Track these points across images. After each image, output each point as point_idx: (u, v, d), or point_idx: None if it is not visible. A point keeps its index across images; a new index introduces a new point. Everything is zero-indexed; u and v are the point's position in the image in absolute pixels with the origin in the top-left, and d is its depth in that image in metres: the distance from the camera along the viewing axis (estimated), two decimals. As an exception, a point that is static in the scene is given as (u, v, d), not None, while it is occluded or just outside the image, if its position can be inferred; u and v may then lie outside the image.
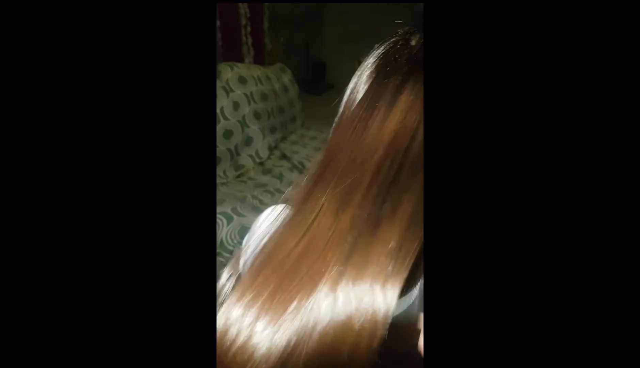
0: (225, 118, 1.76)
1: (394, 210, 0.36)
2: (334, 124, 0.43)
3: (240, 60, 2.32)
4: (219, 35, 2.22)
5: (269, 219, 0.52)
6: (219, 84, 1.78)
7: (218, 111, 1.74)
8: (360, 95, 0.40)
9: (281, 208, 0.51)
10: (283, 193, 1.84)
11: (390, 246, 0.35)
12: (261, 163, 1.93)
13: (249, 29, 2.37)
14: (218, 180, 1.77)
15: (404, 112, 0.36)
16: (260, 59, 2.51)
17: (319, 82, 3.54)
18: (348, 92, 0.43)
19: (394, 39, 0.42)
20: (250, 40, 2.40)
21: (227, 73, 1.83)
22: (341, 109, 0.43)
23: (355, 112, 0.40)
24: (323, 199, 0.40)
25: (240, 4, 2.28)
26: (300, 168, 1.96)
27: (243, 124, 1.82)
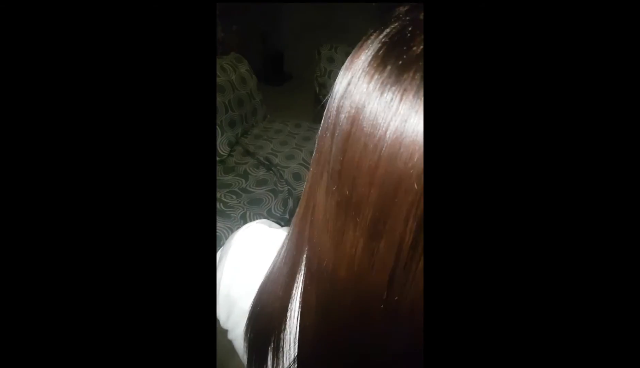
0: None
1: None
2: (319, 132, 0.34)
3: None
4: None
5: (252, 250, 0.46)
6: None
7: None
8: (362, 100, 0.29)
9: (263, 229, 0.47)
10: (251, 192, 1.75)
11: None
12: (222, 161, 1.78)
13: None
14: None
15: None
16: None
17: (278, 73, 3.44)
18: (340, 92, 0.32)
19: (398, 24, 0.31)
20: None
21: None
22: (331, 115, 0.32)
23: (366, 124, 0.29)
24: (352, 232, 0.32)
25: None
26: (267, 165, 1.83)
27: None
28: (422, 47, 0.27)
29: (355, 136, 0.29)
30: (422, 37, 0.28)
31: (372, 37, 0.30)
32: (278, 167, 1.83)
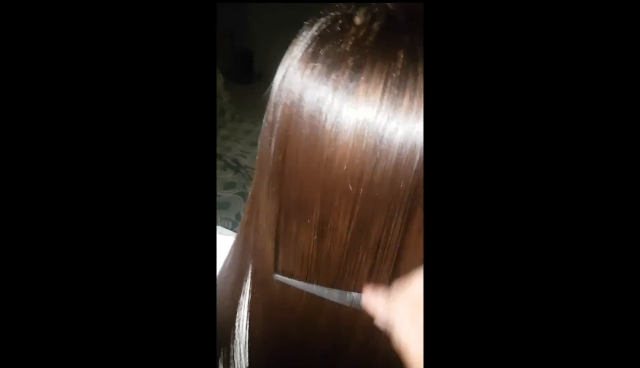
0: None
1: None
2: (261, 132, 0.34)
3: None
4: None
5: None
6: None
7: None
8: (295, 97, 0.29)
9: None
10: (218, 196, 1.70)
11: None
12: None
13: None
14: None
15: (360, 129, 0.27)
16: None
17: (248, 72, 3.40)
18: (275, 89, 0.31)
19: (330, 16, 0.30)
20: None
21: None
22: (269, 113, 0.32)
23: (302, 124, 0.29)
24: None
25: None
26: (235, 166, 1.79)
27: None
28: (351, 43, 0.27)
29: (294, 136, 0.29)
30: (353, 31, 0.28)
31: (306, 31, 0.30)
32: (247, 169, 1.78)
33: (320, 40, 0.29)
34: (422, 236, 0.29)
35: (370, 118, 0.26)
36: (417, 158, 0.27)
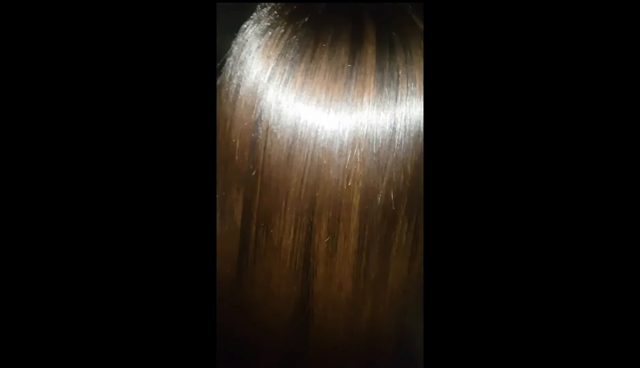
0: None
1: None
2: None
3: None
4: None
5: None
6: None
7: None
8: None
9: None
10: None
11: None
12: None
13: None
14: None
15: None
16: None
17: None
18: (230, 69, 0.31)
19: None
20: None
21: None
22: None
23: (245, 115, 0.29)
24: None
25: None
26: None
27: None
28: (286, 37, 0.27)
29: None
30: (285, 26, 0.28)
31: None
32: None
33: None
34: (333, 261, 0.28)
35: (257, 94, 0.27)
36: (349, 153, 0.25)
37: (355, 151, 0.25)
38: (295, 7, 0.29)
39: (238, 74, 0.28)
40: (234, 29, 0.32)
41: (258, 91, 0.27)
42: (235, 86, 0.28)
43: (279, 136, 0.26)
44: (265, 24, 0.29)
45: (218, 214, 0.30)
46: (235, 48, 0.31)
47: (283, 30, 0.27)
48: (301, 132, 0.26)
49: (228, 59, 0.31)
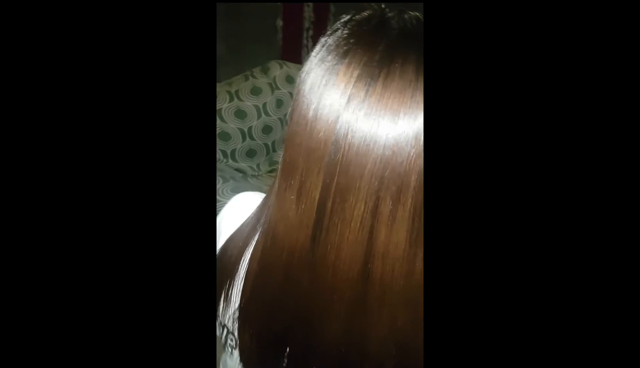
0: (267, 114, 1.80)
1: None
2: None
3: (299, 62, 2.37)
4: (280, 35, 2.28)
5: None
6: (265, 80, 1.83)
7: (260, 105, 1.79)
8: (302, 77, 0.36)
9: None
10: None
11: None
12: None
13: (311, 33, 2.42)
14: (250, 172, 1.81)
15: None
16: (319, 64, 2.54)
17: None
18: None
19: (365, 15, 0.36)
20: (311, 44, 2.45)
21: (276, 70, 1.87)
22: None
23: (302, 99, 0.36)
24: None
25: (305, 8, 2.33)
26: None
27: (284, 122, 1.85)
28: (344, 38, 0.34)
29: (295, 109, 0.36)
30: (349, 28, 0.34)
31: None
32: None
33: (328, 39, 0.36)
34: (393, 226, 0.33)
35: (342, 102, 0.32)
36: (375, 148, 0.32)
37: (415, 145, 0.32)
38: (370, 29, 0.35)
39: (324, 80, 0.34)
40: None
41: (342, 101, 0.33)
42: (322, 88, 0.34)
43: (358, 132, 0.33)
44: (345, 48, 0.34)
45: (294, 195, 0.37)
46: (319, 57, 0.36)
47: (363, 54, 0.33)
48: (377, 128, 0.32)
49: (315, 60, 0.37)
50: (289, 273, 0.40)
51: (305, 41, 2.43)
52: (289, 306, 0.41)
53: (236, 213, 0.52)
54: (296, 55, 2.39)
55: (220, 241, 0.50)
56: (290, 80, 1.89)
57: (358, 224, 0.34)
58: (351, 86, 0.32)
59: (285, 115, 1.85)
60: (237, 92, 1.77)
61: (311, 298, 0.39)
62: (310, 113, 0.34)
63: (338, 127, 0.33)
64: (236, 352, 0.48)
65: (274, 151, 1.87)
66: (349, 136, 0.32)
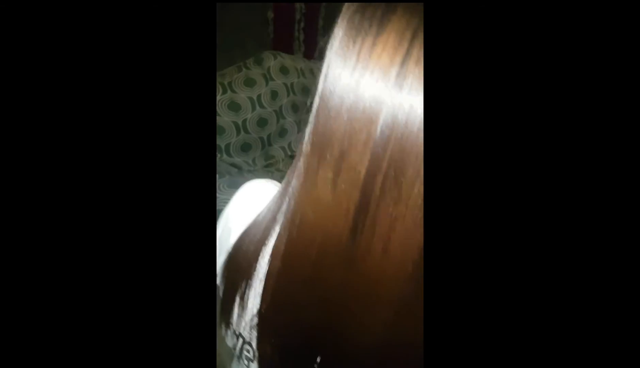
0: (262, 106, 1.73)
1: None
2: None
3: (291, 54, 2.31)
4: (270, 27, 2.22)
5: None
6: (259, 71, 1.77)
7: (255, 97, 1.72)
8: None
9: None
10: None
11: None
12: (292, 156, 1.88)
13: (302, 25, 2.36)
14: (246, 167, 1.74)
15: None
16: (311, 57, 2.50)
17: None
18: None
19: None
20: (302, 36, 2.39)
21: (270, 61, 1.80)
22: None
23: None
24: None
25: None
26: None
27: (279, 114, 1.79)
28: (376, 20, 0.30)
29: (330, 79, 0.33)
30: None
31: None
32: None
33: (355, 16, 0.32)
34: (420, 207, 0.29)
35: (371, 81, 0.29)
36: (396, 128, 0.28)
37: None
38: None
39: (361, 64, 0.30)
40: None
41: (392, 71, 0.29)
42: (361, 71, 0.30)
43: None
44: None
45: (331, 173, 0.32)
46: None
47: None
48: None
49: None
50: (320, 269, 0.34)
51: (297, 33, 2.38)
52: (319, 310, 0.36)
53: (249, 203, 0.47)
54: (287, 47, 2.34)
55: (232, 237, 0.45)
56: (285, 71, 1.82)
57: (418, 205, 0.29)
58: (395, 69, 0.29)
59: (281, 107, 1.78)
60: (230, 83, 1.70)
61: (346, 299, 0.34)
62: (355, 77, 0.30)
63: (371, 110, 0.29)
64: (254, 365, 0.42)
65: (270, 145, 1.80)
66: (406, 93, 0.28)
